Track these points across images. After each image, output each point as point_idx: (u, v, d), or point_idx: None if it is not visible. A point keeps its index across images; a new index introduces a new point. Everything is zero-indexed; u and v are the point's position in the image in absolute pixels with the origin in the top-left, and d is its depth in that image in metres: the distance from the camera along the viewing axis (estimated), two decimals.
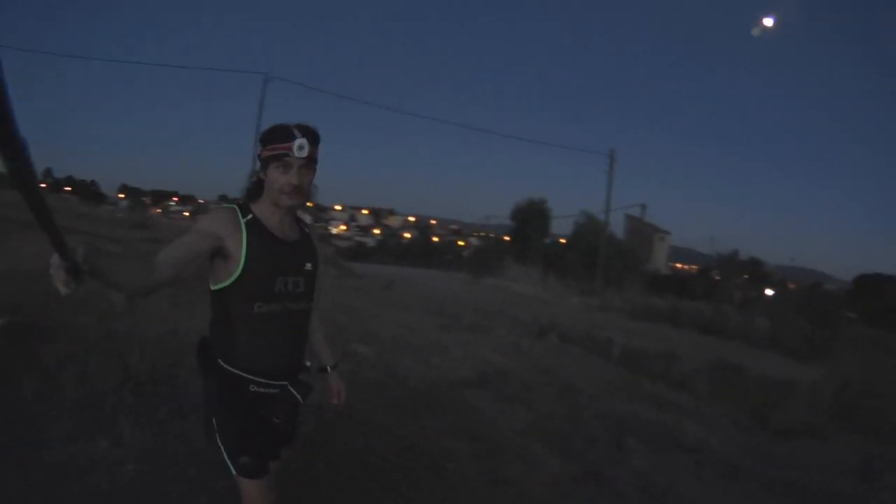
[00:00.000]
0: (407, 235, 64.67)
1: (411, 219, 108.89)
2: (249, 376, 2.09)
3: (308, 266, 2.21)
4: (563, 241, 37.42)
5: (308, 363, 2.32)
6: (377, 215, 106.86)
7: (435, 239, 45.57)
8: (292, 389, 2.17)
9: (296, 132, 2.03)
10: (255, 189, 2.16)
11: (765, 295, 35.01)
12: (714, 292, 34.54)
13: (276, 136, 2.04)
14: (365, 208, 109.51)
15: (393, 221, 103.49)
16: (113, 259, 1.70)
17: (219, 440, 2.12)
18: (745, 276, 41.28)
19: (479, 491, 4.18)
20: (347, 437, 4.48)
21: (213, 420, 2.13)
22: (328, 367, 2.54)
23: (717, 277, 41.79)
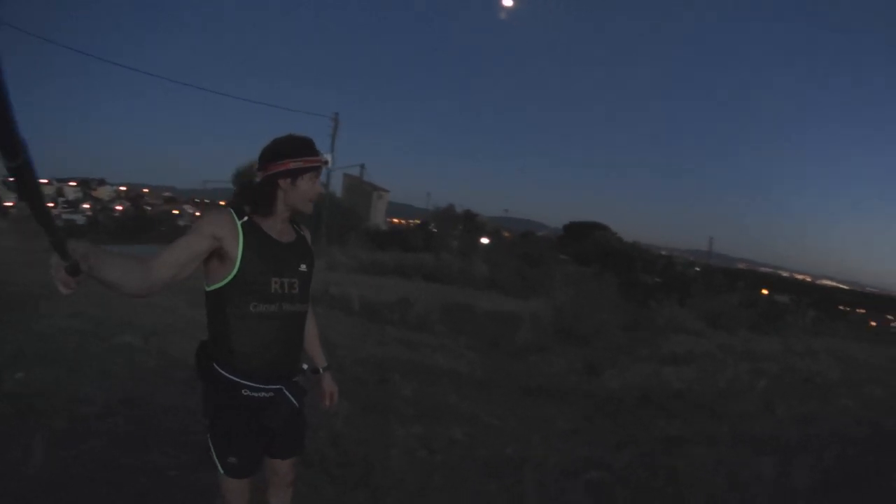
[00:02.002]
0: (119, 208, 58.62)
1: (122, 188, 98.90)
2: (242, 381, 2.14)
3: (303, 267, 2.27)
4: None
5: (305, 366, 2.38)
6: (86, 187, 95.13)
7: (148, 209, 41.35)
8: (287, 393, 2.23)
9: (315, 145, 2.22)
10: (271, 198, 2.20)
11: (480, 243, 38.58)
12: (433, 244, 37.12)
13: (308, 149, 2.19)
14: (73, 180, 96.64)
15: (103, 193, 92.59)
16: (112, 259, 1.73)
17: (209, 440, 2.18)
18: (461, 227, 44.86)
19: None
20: (163, 424, 4.42)
21: (207, 421, 2.19)
22: (320, 369, 2.61)
23: (435, 230, 44.84)
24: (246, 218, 2.13)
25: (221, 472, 2.17)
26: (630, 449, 4.98)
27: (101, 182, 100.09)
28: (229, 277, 2.07)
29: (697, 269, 44.26)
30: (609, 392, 7.41)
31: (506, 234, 50.72)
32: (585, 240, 41.39)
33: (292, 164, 2.15)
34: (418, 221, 54.64)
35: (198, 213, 37.74)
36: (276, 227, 2.21)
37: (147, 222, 39.21)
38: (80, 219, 42.29)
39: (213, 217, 2.11)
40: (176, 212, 41.95)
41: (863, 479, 4.16)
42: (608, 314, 14.34)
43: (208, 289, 2.13)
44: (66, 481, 3.46)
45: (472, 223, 46.42)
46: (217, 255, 2.06)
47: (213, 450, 2.18)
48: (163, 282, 1.89)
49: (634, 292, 20.49)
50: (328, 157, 2.26)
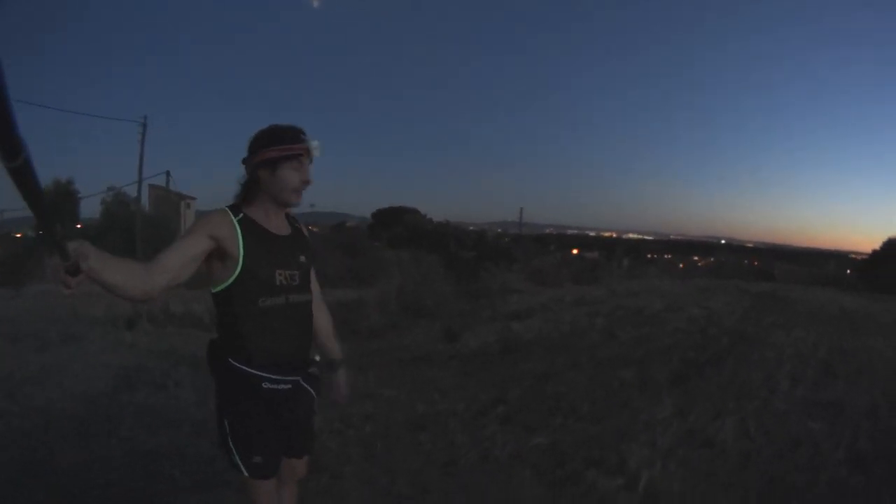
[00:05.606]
0: None
1: None
2: (262, 373, 2.13)
3: (302, 258, 2.27)
4: (79, 226, 34.14)
5: (317, 357, 2.37)
6: None
7: None
8: (305, 384, 2.25)
9: (303, 133, 2.19)
10: (252, 190, 2.22)
11: None
12: None
13: (288, 137, 2.16)
14: None
15: None
16: (113, 262, 1.74)
17: (230, 441, 2.17)
18: None
19: None
20: (84, 481, 4.18)
21: (225, 422, 2.17)
22: (336, 362, 2.56)
23: None
24: (241, 215, 2.15)
25: (246, 474, 2.17)
26: (514, 387, 5.84)
27: None
28: (234, 275, 2.08)
29: (507, 238, 47.51)
30: (472, 350, 8.32)
31: (315, 228, 50.92)
32: (395, 225, 42.61)
33: (269, 154, 2.15)
34: None
35: None
36: (271, 221, 2.22)
37: None
38: None
39: (210, 218, 2.12)
40: None
41: (704, 369, 5.31)
42: (445, 286, 15.40)
43: (215, 290, 2.14)
44: None
45: None
46: (217, 255, 2.09)
47: (234, 453, 2.16)
48: (163, 285, 1.91)
49: (459, 266, 21.81)
50: (315, 144, 2.22)
